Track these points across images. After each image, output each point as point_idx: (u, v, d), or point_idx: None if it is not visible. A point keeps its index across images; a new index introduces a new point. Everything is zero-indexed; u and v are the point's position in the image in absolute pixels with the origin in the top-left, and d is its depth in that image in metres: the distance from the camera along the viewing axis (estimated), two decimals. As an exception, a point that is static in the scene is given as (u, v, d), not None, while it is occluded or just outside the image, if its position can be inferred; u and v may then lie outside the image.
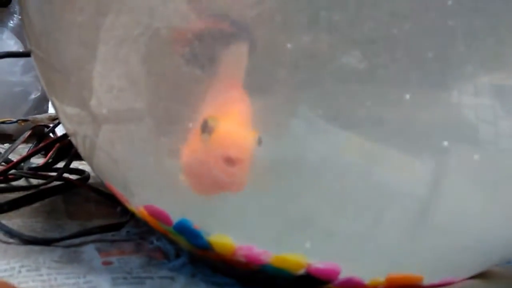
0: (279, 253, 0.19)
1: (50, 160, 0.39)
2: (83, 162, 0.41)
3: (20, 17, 0.51)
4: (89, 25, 0.18)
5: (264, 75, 0.16)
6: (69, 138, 0.37)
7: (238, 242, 0.19)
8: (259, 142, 0.16)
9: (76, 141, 0.23)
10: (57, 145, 0.40)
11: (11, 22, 0.51)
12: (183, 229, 0.20)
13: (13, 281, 0.20)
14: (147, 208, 0.21)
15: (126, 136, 0.20)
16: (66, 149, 0.39)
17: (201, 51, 0.16)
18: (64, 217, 0.29)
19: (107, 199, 0.32)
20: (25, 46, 0.51)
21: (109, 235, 0.26)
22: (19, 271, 0.21)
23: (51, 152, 0.40)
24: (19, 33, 0.51)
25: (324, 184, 0.17)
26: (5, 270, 0.21)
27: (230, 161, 0.16)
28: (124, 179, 0.21)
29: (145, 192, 0.21)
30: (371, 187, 0.17)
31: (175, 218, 0.20)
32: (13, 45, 0.50)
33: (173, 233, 0.21)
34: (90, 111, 0.20)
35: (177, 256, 0.24)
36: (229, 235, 0.19)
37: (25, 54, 0.38)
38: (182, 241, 0.21)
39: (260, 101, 0.17)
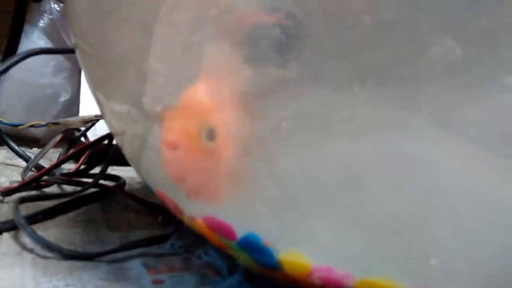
0: (365, 276, 0.16)
1: (82, 167, 0.37)
2: (115, 167, 0.39)
3: (51, 16, 0.49)
4: (148, 9, 0.16)
5: (319, 68, 0.14)
6: (102, 142, 0.36)
7: (315, 262, 0.16)
8: (209, 135, 0.16)
9: (123, 142, 0.21)
10: (88, 151, 0.38)
11: (41, 21, 0.49)
12: (249, 245, 0.17)
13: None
14: (206, 220, 0.18)
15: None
16: (99, 154, 0.37)
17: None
18: (104, 227, 0.26)
19: (146, 208, 0.29)
20: (55, 46, 0.49)
21: (153, 248, 0.24)
22: (64, 291, 0.19)
23: (82, 158, 0.38)
24: (50, 33, 0.49)
25: (418, 191, 0.15)
26: (48, 289, 0.19)
27: (169, 145, 0.17)
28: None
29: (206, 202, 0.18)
30: (475, 196, 0.15)
31: (240, 232, 0.17)
32: (44, 45, 0.48)
33: (234, 248, 0.18)
34: (142, 108, 0.18)
35: (230, 272, 0.22)
36: (306, 253, 0.16)
37: (58, 51, 0.36)
38: (243, 258, 0.19)
39: (318, 97, 0.14)
